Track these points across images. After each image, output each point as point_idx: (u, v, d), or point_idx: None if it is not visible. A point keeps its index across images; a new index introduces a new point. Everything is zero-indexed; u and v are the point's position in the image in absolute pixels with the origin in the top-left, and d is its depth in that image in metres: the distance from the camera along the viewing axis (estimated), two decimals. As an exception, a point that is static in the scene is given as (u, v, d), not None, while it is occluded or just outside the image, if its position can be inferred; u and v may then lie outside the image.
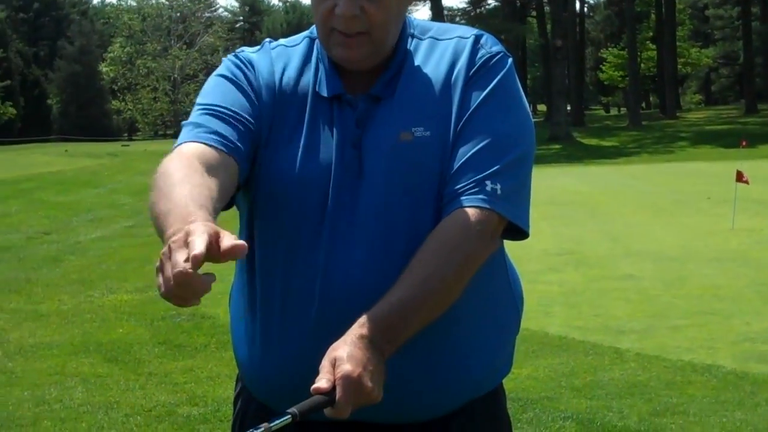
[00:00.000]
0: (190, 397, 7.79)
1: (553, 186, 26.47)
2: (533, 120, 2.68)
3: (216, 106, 2.52)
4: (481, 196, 2.45)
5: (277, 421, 2.14)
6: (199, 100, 2.59)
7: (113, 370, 8.78)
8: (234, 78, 2.60)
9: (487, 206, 2.44)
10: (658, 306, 11.08)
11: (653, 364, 8.60)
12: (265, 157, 2.57)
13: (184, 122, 2.54)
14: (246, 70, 2.62)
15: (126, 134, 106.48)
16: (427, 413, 2.58)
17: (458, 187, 2.47)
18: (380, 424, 2.57)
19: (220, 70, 2.65)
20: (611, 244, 16.22)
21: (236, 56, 2.68)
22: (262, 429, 2.11)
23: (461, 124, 2.52)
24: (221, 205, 2.30)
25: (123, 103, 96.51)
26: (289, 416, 2.14)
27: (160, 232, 2.13)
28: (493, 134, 2.51)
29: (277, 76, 2.63)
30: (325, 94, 2.58)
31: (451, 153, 2.51)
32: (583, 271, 13.58)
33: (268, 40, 2.76)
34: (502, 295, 2.72)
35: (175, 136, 2.59)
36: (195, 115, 2.52)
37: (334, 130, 2.55)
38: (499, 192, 2.46)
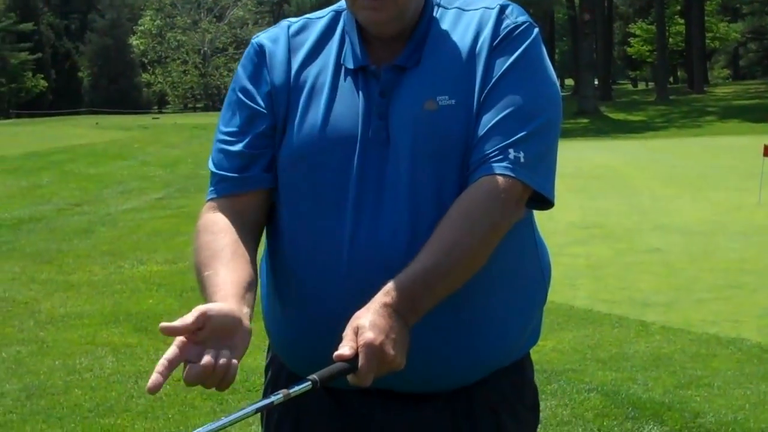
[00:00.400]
0: (219, 367, 7.84)
1: (580, 159, 26.40)
2: (561, 93, 2.68)
3: (231, 137, 2.67)
4: (504, 164, 2.44)
5: (297, 388, 2.15)
6: (219, 122, 2.73)
7: (143, 339, 8.84)
8: (246, 91, 2.68)
9: (511, 174, 2.43)
10: (684, 279, 11.06)
11: (678, 337, 8.60)
12: (284, 130, 2.63)
13: (210, 164, 2.71)
14: (259, 62, 2.69)
15: (156, 107, 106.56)
16: (452, 382, 2.58)
17: (482, 155, 2.46)
18: (406, 393, 2.57)
19: (234, 81, 2.75)
20: (638, 218, 16.18)
21: (252, 46, 2.74)
22: (281, 395, 2.14)
23: (485, 92, 2.51)
24: (257, 241, 2.62)
25: (153, 76, 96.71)
26: (309, 383, 2.15)
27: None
28: (516, 102, 2.49)
29: (294, 54, 2.67)
30: (350, 65, 2.60)
31: (475, 122, 2.50)
32: (609, 244, 13.56)
33: (287, 20, 2.79)
34: (528, 265, 2.71)
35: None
36: (215, 152, 2.70)
37: (360, 101, 2.56)
38: (522, 160, 2.45)
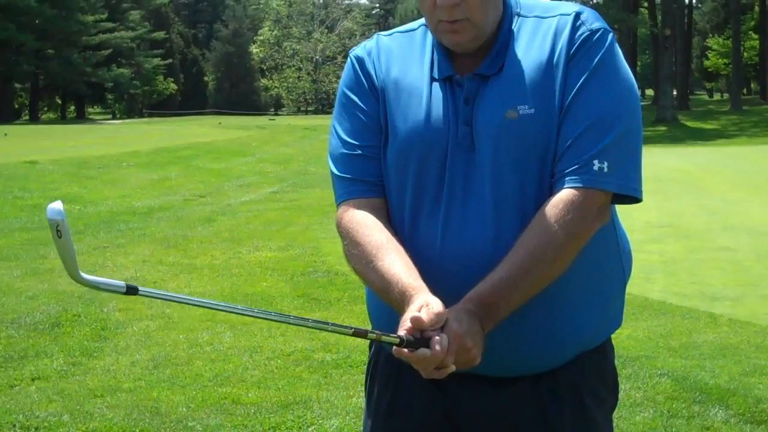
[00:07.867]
0: (325, 344, 7.90)
1: (657, 164, 26.01)
2: (642, 103, 2.62)
3: (351, 143, 2.66)
4: (587, 177, 2.39)
5: (387, 337, 2.28)
6: (333, 123, 2.72)
7: (257, 318, 8.90)
8: (354, 102, 2.68)
9: (593, 186, 2.39)
10: (751, 276, 10.90)
11: (744, 329, 8.49)
12: (388, 133, 2.63)
13: (332, 168, 2.70)
14: (360, 73, 2.70)
15: (272, 109, 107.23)
16: (537, 366, 2.56)
17: (566, 167, 2.42)
18: (495, 377, 2.56)
19: (342, 84, 2.75)
20: (709, 218, 15.94)
21: (351, 59, 2.74)
22: (376, 335, 2.30)
23: (566, 103, 2.45)
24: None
25: (270, 82, 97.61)
26: (398, 338, 2.25)
27: (387, 300, 2.48)
28: (596, 113, 2.43)
29: (389, 64, 2.67)
30: (438, 75, 2.58)
31: (558, 133, 2.44)
32: (682, 242, 13.38)
33: (379, 33, 2.80)
34: (609, 254, 2.65)
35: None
36: (338, 156, 2.68)
37: (449, 108, 2.54)
38: (606, 170, 2.39)
